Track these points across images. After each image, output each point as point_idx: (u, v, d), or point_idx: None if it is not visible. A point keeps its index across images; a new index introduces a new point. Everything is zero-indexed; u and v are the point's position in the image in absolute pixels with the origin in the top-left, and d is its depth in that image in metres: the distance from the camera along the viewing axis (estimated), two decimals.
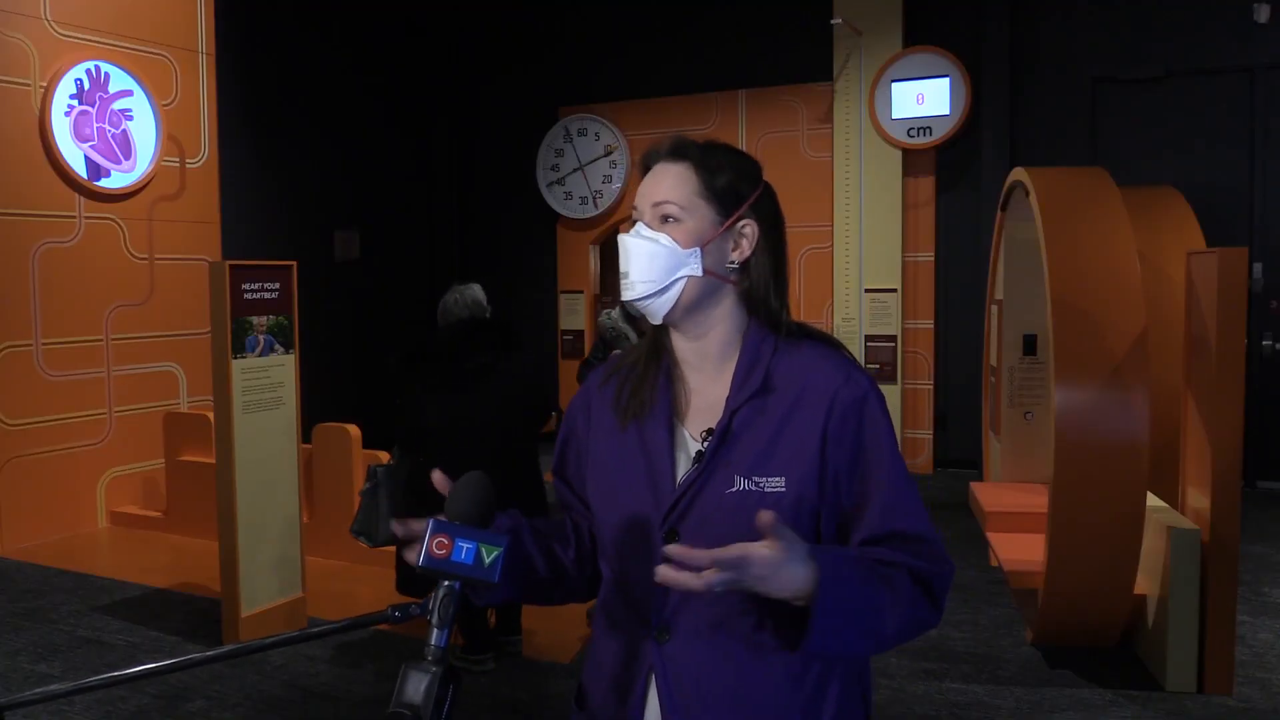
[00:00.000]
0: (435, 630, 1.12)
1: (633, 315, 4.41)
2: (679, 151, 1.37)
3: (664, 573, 1.13)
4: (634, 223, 1.38)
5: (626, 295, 1.35)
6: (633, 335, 4.40)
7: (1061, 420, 3.67)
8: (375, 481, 3.98)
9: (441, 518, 1.16)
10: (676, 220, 1.33)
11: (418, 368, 3.88)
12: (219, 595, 4.21)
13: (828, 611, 1.17)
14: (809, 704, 1.30)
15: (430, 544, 1.14)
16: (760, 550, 1.12)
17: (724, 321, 1.37)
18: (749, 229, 1.36)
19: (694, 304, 1.35)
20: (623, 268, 1.35)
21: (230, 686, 3.72)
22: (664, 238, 1.32)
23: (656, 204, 1.34)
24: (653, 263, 1.32)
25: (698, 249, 1.33)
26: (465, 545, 1.14)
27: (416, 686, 1.07)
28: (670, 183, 1.34)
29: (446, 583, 1.14)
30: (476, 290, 4.05)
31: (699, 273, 1.34)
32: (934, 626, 1.31)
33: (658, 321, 1.37)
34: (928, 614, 1.28)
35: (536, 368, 4.18)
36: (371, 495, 3.99)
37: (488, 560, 1.14)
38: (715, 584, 1.10)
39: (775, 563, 1.13)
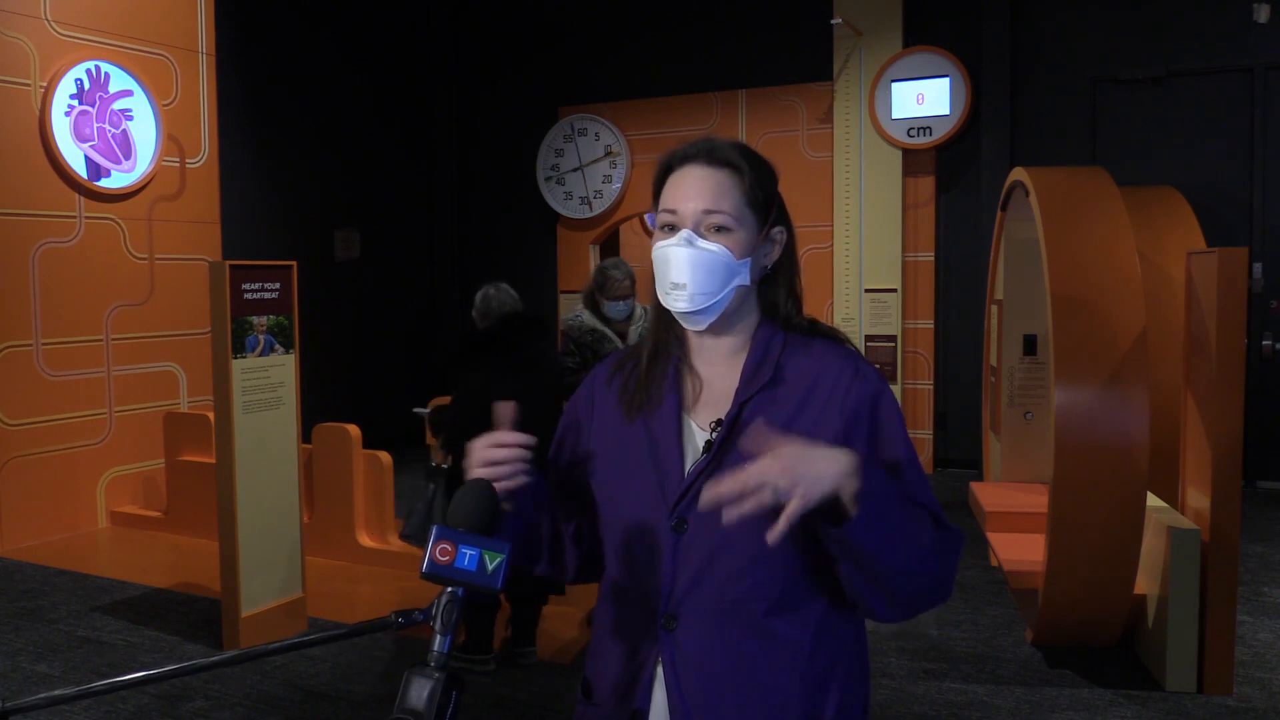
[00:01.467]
0: (438, 636, 1.13)
1: (605, 315, 4.34)
2: (719, 157, 1.34)
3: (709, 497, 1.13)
4: (667, 229, 1.35)
5: (678, 306, 1.33)
6: (611, 333, 4.33)
7: (1061, 420, 3.67)
8: (438, 485, 3.96)
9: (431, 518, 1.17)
10: (729, 230, 1.32)
11: (484, 357, 3.88)
12: (219, 595, 4.21)
13: (873, 495, 1.15)
14: (813, 691, 1.31)
15: (433, 550, 1.14)
16: (783, 445, 1.12)
17: (744, 320, 1.39)
18: (780, 235, 1.39)
19: (733, 311, 1.36)
20: (674, 278, 1.32)
21: (230, 686, 3.73)
22: (721, 248, 1.31)
23: (709, 211, 1.31)
24: (712, 275, 1.31)
25: (748, 259, 1.34)
26: (468, 552, 1.15)
27: (419, 692, 1.08)
28: (718, 191, 1.32)
29: (449, 589, 1.15)
30: (510, 289, 4.12)
31: (747, 282, 1.35)
32: (945, 598, 1.29)
33: (700, 329, 1.36)
34: (944, 578, 1.27)
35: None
36: (431, 499, 3.96)
37: (490, 567, 1.15)
38: (750, 504, 1.10)
39: (804, 450, 1.12)
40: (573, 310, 4.55)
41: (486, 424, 1.27)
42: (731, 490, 1.11)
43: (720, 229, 1.32)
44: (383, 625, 1.15)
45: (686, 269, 1.31)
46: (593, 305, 4.36)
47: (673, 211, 1.34)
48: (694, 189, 1.32)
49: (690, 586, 1.30)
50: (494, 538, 1.18)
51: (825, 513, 1.15)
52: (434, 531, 1.16)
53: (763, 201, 1.35)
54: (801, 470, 1.10)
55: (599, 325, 4.30)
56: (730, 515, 1.11)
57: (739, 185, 1.33)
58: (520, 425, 1.34)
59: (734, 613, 1.29)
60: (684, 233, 1.32)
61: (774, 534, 1.09)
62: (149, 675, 1.11)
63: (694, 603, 1.30)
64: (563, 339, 4.45)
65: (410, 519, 4.03)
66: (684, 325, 1.38)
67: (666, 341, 1.42)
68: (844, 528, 1.15)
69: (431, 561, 1.14)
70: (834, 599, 1.33)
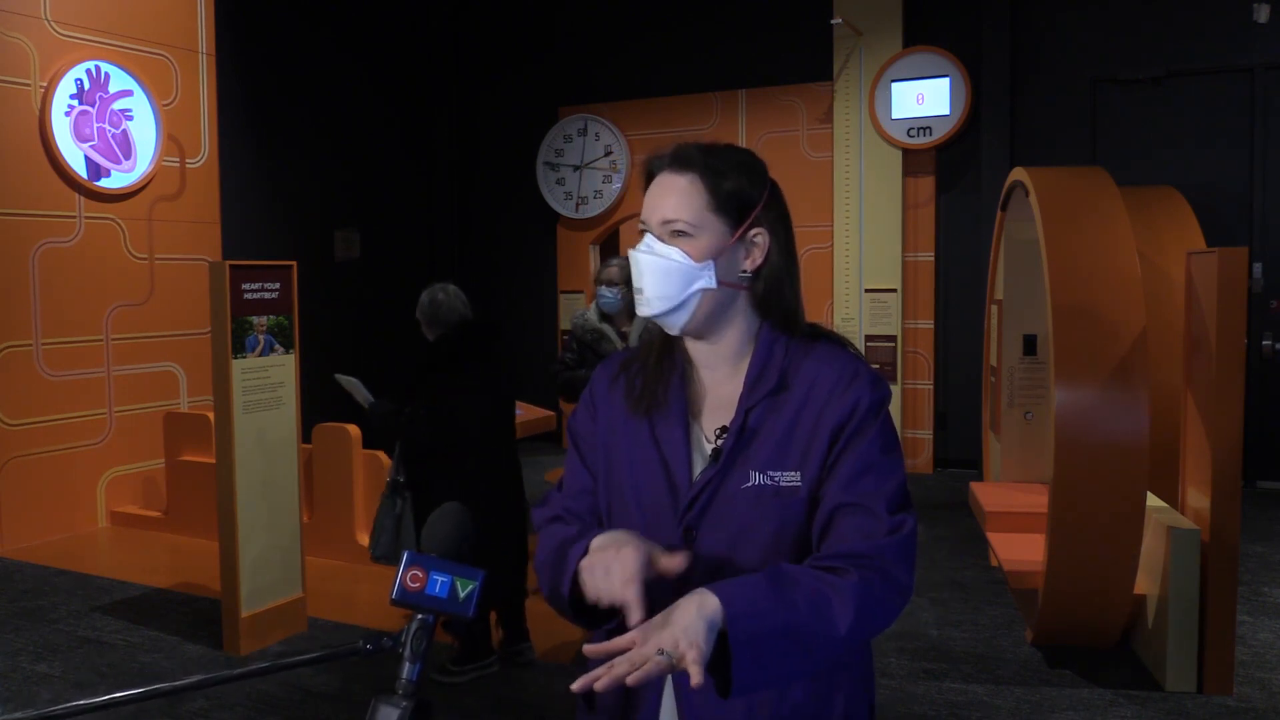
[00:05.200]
0: (407, 664, 1.11)
1: (608, 314, 4.31)
2: (684, 161, 1.34)
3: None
4: (643, 234, 1.37)
5: (642, 311, 1.34)
6: (613, 334, 4.29)
7: (1061, 420, 3.67)
8: (405, 500, 3.87)
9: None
10: (687, 235, 1.32)
11: (451, 366, 3.81)
12: (219, 595, 4.21)
13: (741, 642, 1.13)
14: (821, 694, 1.32)
15: (404, 576, 1.13)
16: (639, 633, 1.12)
17: (738, 325, 1.37)
18: (760, 238, 1.36)
19: (710, 314, 1.35)
20: (636, 284, 1.34)
21: (231, 686, 3.72)
22: (676, 253, 1.32)
23: (666, 221, 1.32)
24: (667, 279, 1.32)
25: (711, 262, 1.33)
26: (440, 579, 1.13)
27: None
28: (678, 199, 1.32)
29: (420, 616, 1.13)
30: (461, 292, 4.05)
31: (713, 285, 1.33)
32: (906, 598, 1.25)
33: (675, 333, 1.37)
34: (888, 593, 1.22)
35: (513, 361, 4.22)
36: (398, 519, 3.89)
37: (462, 594, 1.13)
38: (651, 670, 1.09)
39: (663, 615, 1.12)
40: (578, 310, 4.54)
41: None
42: (619, 673, 1.09)
43: (677, 233, 1.32)
44: (351, 652, 1.13)
45: (646, 275, 1.33)
46: (598, 303, 4.32)
47: (643, 220, 1.37)
48: (658, 198, 1.34)
49: None
50: (466, 564, 1.16)
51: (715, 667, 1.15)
52: (405, 557, 1.14)
53: (732, 203, 1.33)
54: (670, 632, 1.10)
55: (600, 325, 4.28)
56: (635, 680, 1.10)
57: (701, 190, 1.33)
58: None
59: None
60: (646, 238, 1.35)
61: (696, 681, 1.08)
62: (108, 700, 1.07)
63: None
64: (566, 336, 4.44)
65: (380, 538, 3.89)
66: (667, 332, 1.39)
67: (670, 344, 1.42)
68: (736, 683, 1.13)
69: (401, 588, 1.12)
70: None
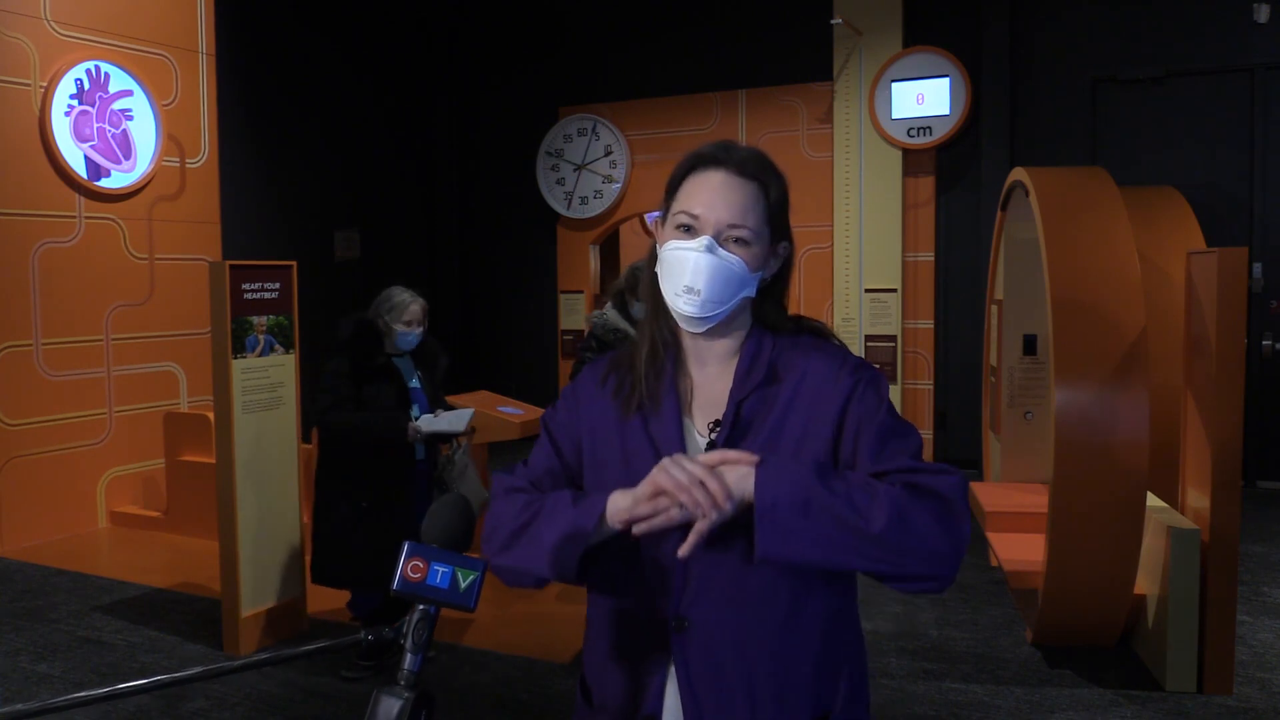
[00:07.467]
0: (409, 655, 1.11)
1: (631, 315, 4.28)
2: (748, 170, 1.35)
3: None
4: (684, 230, 1.34)
5: (688, 309, 1.33)
6: (634, 333, 4.21)
7: (1061, 420, 3.67)
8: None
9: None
10: (748, 244, 1.33)
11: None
12: (219, 595, 4.21)
13: (768, 503, 1.19)
14: (822, 684, 1.33)
15: (405, 567, 1.12)
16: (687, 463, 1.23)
17: (739, 325, 1.40)
18: (785, 250, 1.42)
19: (732, 317, 1.37)
20: (689, 282, 1.32)
21: (231, 687, 3.72)
22: (739, 261, 1.33)
23: (734, 225, 1.32)
24: (726, 285, 1.33)
25: (760, 273, 1.37)
26: (441, 569, 1.13)
27: (389, 712, 1.07)
28: (745, 205, 1.33)
29: (421, 607, 1.13)
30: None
31: (754, 294, 1.37)
32: (963, 521, 1.22)
33: (698, 331, 1.37)
34: (934, 507, 1.21)
35: None
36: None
37: (463, 585, 1.13)
38: (706, 527, 1.20)
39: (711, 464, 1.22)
40: (594, 311, 4.50)
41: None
42: (644, 509, 1.22)
43: (740, 241, 1.33)
44: (352, 644, 1.14)
45: (704, 276, 1.31)
46: (621, 305, 4.28)
47: (694, 215, 1.34)
48: (721, 198, 1.33)
49: (701, 587, 1.31)
50: (467, 555, 1.16)
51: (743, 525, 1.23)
52: (405, 548, 1.13)
53: (780, 217, 1.38)
54: (710, 485, 1.20)
55: (622, 324, 4.24)
56: (639, 530, 1.24)
57: (763, 201, 1.35)
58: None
59: (745, 610, 1.30)
60: (705, 239, 1.32)
61: (685, 548, 1.21)
62: (91, 695, 1.08)
63: (706, 603, 1.31)
64: (585, 335, 4.40)
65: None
66: (683, 326, 1.38)
67: (664, 341, 1.42)
68: (759, 548, 1.21)
69: (403, 578, 1.12)
70: (839, 592, 1.35)
